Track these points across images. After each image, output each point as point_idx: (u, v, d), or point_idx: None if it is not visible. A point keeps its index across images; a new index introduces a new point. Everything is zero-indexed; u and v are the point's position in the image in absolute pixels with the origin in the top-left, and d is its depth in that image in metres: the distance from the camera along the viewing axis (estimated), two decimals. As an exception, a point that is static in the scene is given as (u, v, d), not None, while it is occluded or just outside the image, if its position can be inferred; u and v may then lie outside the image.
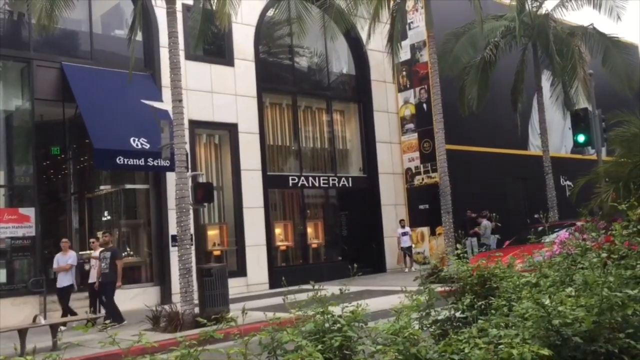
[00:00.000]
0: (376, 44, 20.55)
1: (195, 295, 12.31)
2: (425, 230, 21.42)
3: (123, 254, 14.19)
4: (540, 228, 14.66)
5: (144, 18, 15.57)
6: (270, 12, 19.34)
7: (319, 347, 2.77)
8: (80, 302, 14.18)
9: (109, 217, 16.87)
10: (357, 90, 22.35)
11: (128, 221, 17.07)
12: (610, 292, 2.77)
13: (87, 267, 14.16)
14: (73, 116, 15.71)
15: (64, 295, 12.89)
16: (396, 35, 18.58)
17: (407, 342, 2.45)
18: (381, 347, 2.51)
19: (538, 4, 19.59)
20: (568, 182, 24.16)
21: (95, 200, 17.02)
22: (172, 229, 14.77)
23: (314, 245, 20.62)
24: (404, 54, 21.88)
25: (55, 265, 12.96)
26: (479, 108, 19.30)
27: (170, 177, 14.42)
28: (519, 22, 17.75)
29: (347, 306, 3.75)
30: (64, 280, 12.82)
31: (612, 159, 10.20)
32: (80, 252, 15.54)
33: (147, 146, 14.63)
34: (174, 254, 14.62)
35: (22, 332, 10.09)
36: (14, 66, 15.44)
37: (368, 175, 21.82)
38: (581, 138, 18.54)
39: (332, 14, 16.50)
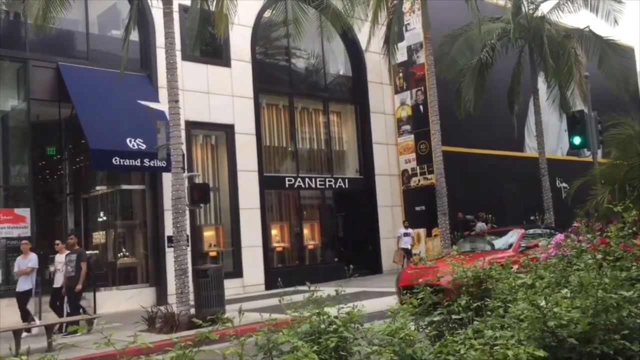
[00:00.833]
0: (373, 45, 20.49)
1: (192, 296, 12.31)
2: (422, 231, 21.42)
3: (90, 257, 13.27)
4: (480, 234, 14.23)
5: (141, 18, 15.57)
6: (267, 14, 19.34)
7: (315, 348, 2.76)
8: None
9: (104, 218, 16.82)
10: (353, 91, 22.37)
11: (124, 222, 17.03)
12: (605, 293, 2.77)
13: (51, 268, 13.49)
14: (69, 116, 15.66)
15: (23, 299, 12.19)
16: (393, 37, 18.63)
17: (403, 343, 2.45)
18: (377, 348, 2.50)
19: (534, 6, 19.65)
20: (564, 184, 24.19)
21: (91, 200, 16.97)
22: (168, 230, 14.76)
23: (310, 247, 20.61)
24: (401, 56, 21.93)
25: (15, 269, 12.50)
26: (475, 110, 19.35)
27: (167, 178, 14.39)
28: (514, 24, 17.83)
29: (343, 307, 3.75)
30: (24, 284, 12.13)
31: (607, 161, 10.24)
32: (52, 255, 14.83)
33: (144, 147, 14.60)
34: (170, 255, 14.59)
35: (17, 333, 10.06)
36: (10, 66, 15.41)
37: (364, 176, 21.83)
38: (577, 140, 18.55)
39: (328, 15, 16.51)
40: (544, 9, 20.01)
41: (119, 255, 16.38)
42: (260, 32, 19.76)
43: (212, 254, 17.70)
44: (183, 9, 16.81)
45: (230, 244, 18.03)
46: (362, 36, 20.58)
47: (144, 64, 16.80)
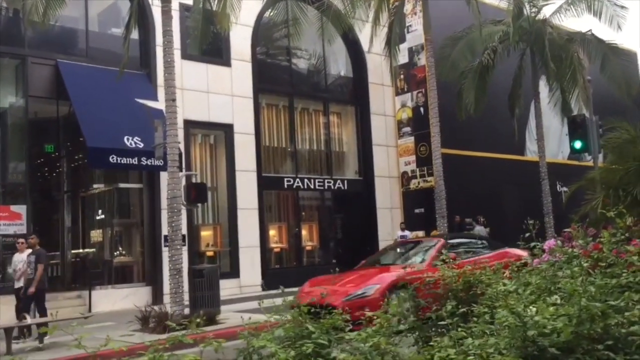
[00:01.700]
0: (374, 46, 20.35)
1: (187, 296, 12.25)
2: (421, 234, 21.29)
3: (47, 258, 12.55)
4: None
5: (141, 17, 15.51)
6: (267, 14, 19.29)
7: (292, 353, 2.69)
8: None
9: (102, 216, 16.75)
10: (354, 92, 22.29)
11: (121, 220, 16.96)
12: (589, 302, 2.68)
13: (9, 269, 12.92)
14: (67, 114, 15.62)
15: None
16: (394, 39, 18.55)
17: (374, 352, 2.37)
18: (346, 355, 2.42)
19: (536, 9, 19.55)
20: (565, 189, 24.04)
21: (88, 198, 16.91)
22: (165, 229, 14.61)
23: (309, 248, 20.53)
24: (402, 57, 21.78)
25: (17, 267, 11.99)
26: (476, 113, 19.24)
27: (164, 177, 14.25)
28: (515, 27, 17.75)
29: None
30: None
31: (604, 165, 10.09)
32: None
33: (141, 145, 14.53)
34: (166, 254, 14.47)
35: (8, 331, 9.98)
36: (8, 63, 15.36)
37: (364, 178, 21.74)
38: (578, 144, 18.44)
39: (329, 15, 16.44)
40: (546, 12, 19.90)
41: (115, 253, 16.31)
42: (261, 32, 19.69)
43: (210, 253, 17.64)
44: (184, 7, 16.76)
45: (228, 244, 17.95)
46: (363, 37, 20.49)
47: (143, 62, 16.75)
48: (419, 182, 21.64)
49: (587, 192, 6.77)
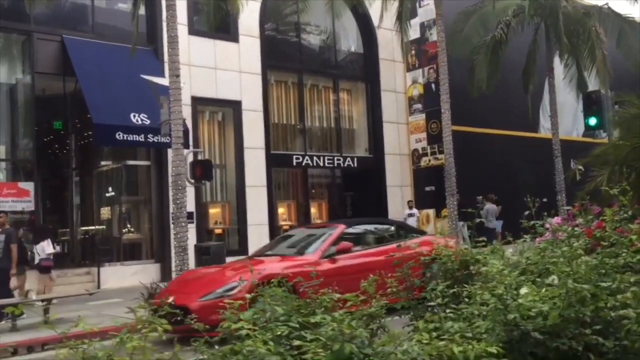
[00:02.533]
0: (385, 21, 19.99)
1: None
2: (431, 212, 21.15)
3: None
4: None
5: (147, -8, 15.28)
6: (276, -13, 18.98)
7: (268, 335, 2.57)
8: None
9: (110, 193, 16.78)
10: (364, 69, 21.97)
11: (129, 197, 16.97)
12: (579, 283, 2.52)
13: None
14: (74, 91, 15.55)
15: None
16: (405, 13, 18.15)
17: (340, 337, 2.23)
18: (317, 338, 2.27)
19: (551, -18, 19.00)
20: (579, 166, 23.65)
21: (96, 176, 16.93)
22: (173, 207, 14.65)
23: (318, 226, 20.43)
24: (414, 33, 21.41)
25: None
26: (488, 89, 18.86)
27: (171, 154, 14.23)
28: (530, 0, 17.25)
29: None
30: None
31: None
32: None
33: (148, 122, 14.44)
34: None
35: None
36: (15, 39, 15.27)
37: (374, 155, 21.53)
38: (592, 121, 18.04)
39: (338, -11, 16.10)
40: (561, -15, 19.34)
41: (123, 231, 16.35)
42: (269, 7, 19.38)
43: (218, 231, 17.63)
44: (192, -18, 16.53)
45: (236, 222, 17.92)
46: (373, 12, 20.10)
47: (150, 38, 16.58)
48: (429, 160, 21.40)
49: (593, 169, 6.55)
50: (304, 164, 19.68)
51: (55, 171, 17.55)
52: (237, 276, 7.80)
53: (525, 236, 4.92)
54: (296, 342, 2.33)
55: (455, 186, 16.28)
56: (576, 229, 4.29)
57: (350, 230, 9.63)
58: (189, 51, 16.92)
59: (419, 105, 21.87)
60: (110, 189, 16.84)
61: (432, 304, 3.40)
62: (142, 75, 13.90)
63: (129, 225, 16.59)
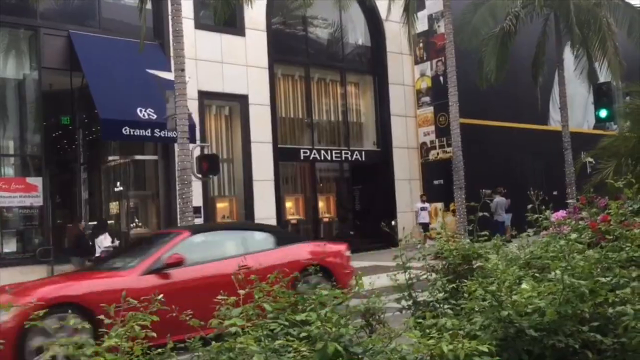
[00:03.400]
0: (393, 14, 19.88)
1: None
2: (440, 205, 21.03)
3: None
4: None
5: (153, -14, 15.27)
6: (282, -20, 18.88)
7: (260, 332, 2.52)
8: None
9: (118, 188, 16.82)
10: (372, 62, 21.83)
11: (137, 192, 17.02)
12: (576, 278, 2.45)
13: None
14: (81, 86, 15.57)
15: None
16: (412, 5, 18.07)
17: (326, 335, 2.17)
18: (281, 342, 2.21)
19: (561, -28, 18.77)
20: (590, 159, 23.41)
21: (104, 170, 16.97)
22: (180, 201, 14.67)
23: (326, 220, 20.40)
24: (421, 25, 21.26)
25: None
26: (497, 80, 18.69)
27: (177, 149, 14.23)
28: (540, -10, 17.06)
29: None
30: None
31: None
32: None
33: (154, 117, 14.41)
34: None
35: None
36: (22, 34, 15.30)
37: (382, 149, 21.42)
38: (603, 113, 17.88)
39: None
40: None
41: (131, 225, 16.39)
42: (276, 0, 19.30)
43: (225, 225, 17.59)
44: (198, -24, 16.48)
45: (244, 216, 17.89)
46: (381, 4, 20.01)
47: (157, 32, 16.54)
48: (438, 153, 21.26)
49: (600, 162, 6.44)
50: (311, 157, 19.62)
51: (64, 166, 17.62)
52: (9, 301, 5.88)
53: (529, 230, 4.84)
54: (278, 342, 2.27)
55: (464, 179, 16.16)
56: (580, 222, 4.20)
57: (198, 238, 8.13)
58: (195, 45, 16.86)
59: (427, 98, 21.73)
60: (118, 183, 16.88)
61: (430, 299, 3.33)
62: (147, 70, 13.86)
63: (136, 220, 16.62)
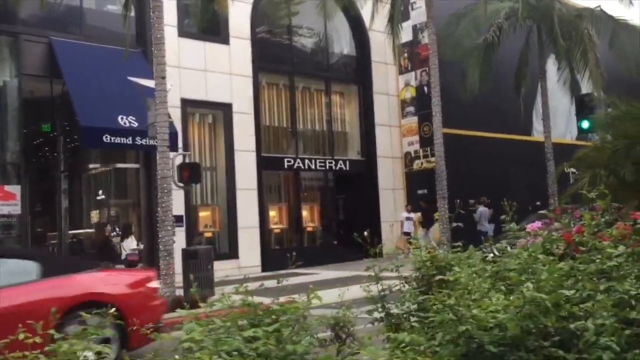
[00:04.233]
0: (377, 24, 19.92)
1: (179, 278, 12.14)
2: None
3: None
4: None
5: (136, -7, 15.18)
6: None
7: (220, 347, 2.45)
8: None
9: (99, 197, 16.62)
10: (357, 71, 21.88)
11: (118, 201, 16.84)
12: (539, 292, 2.40)
13: None
14: (62, 93, 15.38)
15: None
16: (397, 16, 18.10)
17: (272, 353, 2.11)
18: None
19: (544, -16, 18.97)
20: (572, 169, 23.56)
21: (85, 179, 16.78)
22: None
23: (310, 229, 20.33)
24: (406, 35, 21.34)
25: None
26: (481, 91, 18.77)
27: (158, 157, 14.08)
28: (523, 2, 17.19)
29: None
30: None
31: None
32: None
33: (136, 124, 14.26)
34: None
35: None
36: (2, 41, 15.12)
37: (366, 158, 21.42)
38: (585, 124, 18.08)
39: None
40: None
41: (112, 234, 16.18)
42: (261, 9, 19.28)
43: (208, 234, 17.49)
44: (181, -16, 16.43)
45: (227, 225, 17.78)
46: (366, 14, 20.02)
47: (139, 39, 16.43)
48: (422, 163, 21.29)
49: (575, 172, 6.45)
50: (295, 167, 19.56)
51: (44, 174, 17.34)
52: None
53: (502, 242, 4.82)
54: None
55: (446, 189, 16.18)
56: (555, 233, 4.17)
57: None
58: (179, 53, 16.79)
59: (412, 108, 21.79)
60: (99, 192, 16.69)
61: (396, 311, 3.27)
62: (128, 77, 13.74)
63: (117, 229, 16.42)
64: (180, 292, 12.52)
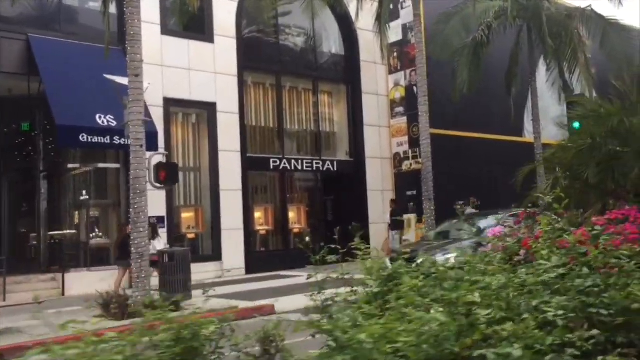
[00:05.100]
0: (366, 23, 19.66)
1: (155, 281, 11.90)
2: (412, 217, 20.73)
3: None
4: None
5: (116, -10, 14.87)
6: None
7: None
8: None
9: (79, 197, 16.29)
10: (345, 71, 21.58)
11: (98, 201, 16.51)
12: (444, 312, 2.08)
13: None
14: (41, 91, 15.08)
15: None
16: (384, 14, 17.85)
17: None
18: None
19: (534, -17, 18.68)
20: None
21: (65, 179, 16.42)
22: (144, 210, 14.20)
23: (296, 230, 20.01)
24: (395, 35, 21.08)
25: None
26: (470, 91, 18.48)
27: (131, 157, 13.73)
28: (512, 1, 16.92)
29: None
30: None
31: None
32: None
33: (114, 123, 13.97)
34: (144, 236, 14.07)
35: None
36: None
37: (355, 159, 21.13)
38: (577, 125, 17.73)
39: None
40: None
41: (91, 235, 15.88)
42: (247, 6, 18.97)
43: (191, 236, 17.20)
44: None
45: (210, 226, 17.48)
46: (353, 12, 19.71)
47: (120, 37, 16.08)
48: (411, 164, 21.00)
49: (543, 174, 6.14)
50: (281, 167, 19.26)
51: (23, 174, 17.07)
52: None
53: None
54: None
55: (432, 191, 15.89)
56: (508, 239, 3.89)
57: None
58: (162, 51, 16.55)
59: (401, 109, 21.50)
60: (79, 192, 16.35)
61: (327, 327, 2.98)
62: (104, 75, 13.43)
63: (97, 230, 16.12)
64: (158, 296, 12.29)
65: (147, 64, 16.12)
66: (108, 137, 13.91)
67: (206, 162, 17.62)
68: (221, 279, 16.11)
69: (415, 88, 20.77)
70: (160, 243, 13.63)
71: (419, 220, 20.36)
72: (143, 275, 10.76)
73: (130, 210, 11.02)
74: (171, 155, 16.70)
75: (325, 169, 20.40)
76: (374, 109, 21.47)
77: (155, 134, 14.43)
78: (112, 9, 15.08)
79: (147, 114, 14.42)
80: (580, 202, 4.35)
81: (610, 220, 3.99)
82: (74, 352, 2.20)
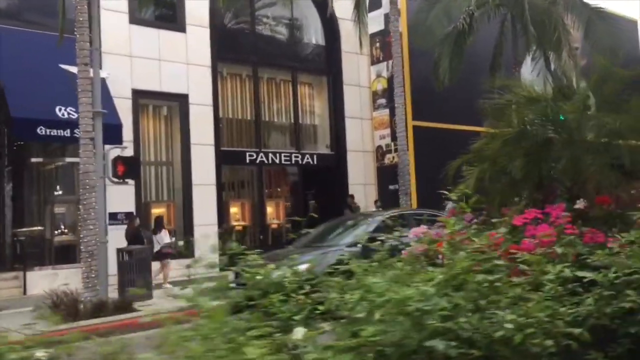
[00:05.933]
0: (347, 12, 19.09)
1: (113, 280, 11.43)
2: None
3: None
4: None
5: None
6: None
7: None
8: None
9: (43, 193, 15.74)
10: (326, 61, 20.99)
11: (64, 197, 15.94)
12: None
13: None
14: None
15: None
16: (363, 2, 17.28)
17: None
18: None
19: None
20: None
21: (29, 174, 15.85)
22: (110, 206, 13.68)
23: (274, 226, 19.48)
24: (378, 24, 20.49)
25: None
26: (451, 81, 17.87)
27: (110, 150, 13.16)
28: (493, -12, 16.34)
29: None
30: None
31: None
32: None
33: (75, 116, 13.38)
34: (111, 232, 13.55)
35: None
36: None
37: (336, 152, 20.57)
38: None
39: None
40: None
41: (56, 232, 15.33)
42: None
43: (161, 232, 16.60)
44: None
45: (182, 223, 16.94)
46: (336, 2, 19.15)
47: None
48: (393, 157, 20.41)
49: (471, 166, 5.57)
50: (258, 161, 18.70)
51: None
52: None
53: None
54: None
55: (409, 184, 15.35)
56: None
57: None
58: (130, 41, 15.99)
59: (383, 100, 20.91)
60: (44, 187, 15.80)
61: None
62: (60, 65, 12.84)
63: (62, 227, 15.56)
64: (114, 295, 11.78)
65: (114, 54, 15.80)
66: (68, 130, 13.34)
67: (178, 156, 17.08)
68: (193, 277, 15.59)
69: (397, 79, 20.24)
70: (167, 236, 14.07)
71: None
72: (93, 275, 10.24)
73: (80, 206, 10.47)
74: (141, 149, 16.17)
75: (304, 162, 19.84)
76: (355, 101, 20.89)
77: (118, 126, 13.90)
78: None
79: (111, 105, 13.92)
80: (505, 198, 3.82)
81: (530, 220, 3.46)
82: None
